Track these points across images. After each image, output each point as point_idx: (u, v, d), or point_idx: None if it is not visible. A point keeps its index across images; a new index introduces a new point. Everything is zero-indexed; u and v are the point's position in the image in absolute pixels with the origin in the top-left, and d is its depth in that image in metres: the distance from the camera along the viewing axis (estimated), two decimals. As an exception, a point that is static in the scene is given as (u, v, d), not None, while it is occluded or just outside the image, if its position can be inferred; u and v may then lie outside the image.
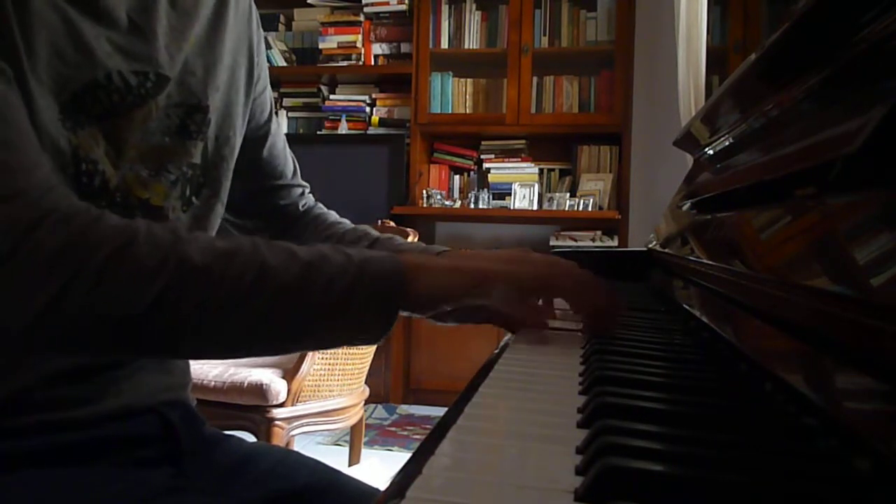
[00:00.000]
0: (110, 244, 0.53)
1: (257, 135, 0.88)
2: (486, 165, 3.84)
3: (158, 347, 0.58)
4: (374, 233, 0.90)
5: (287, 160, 0.94)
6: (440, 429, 0.39)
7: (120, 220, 0.55)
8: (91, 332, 0.54)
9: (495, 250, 0.69)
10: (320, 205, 0.98)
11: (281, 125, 0.91)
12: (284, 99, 4.06)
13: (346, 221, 0.95)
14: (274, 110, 0.92)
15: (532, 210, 3.67)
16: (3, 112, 0.55)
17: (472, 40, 3.81)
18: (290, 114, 4.08)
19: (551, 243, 3.59)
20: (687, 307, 0.77)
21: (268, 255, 0.58)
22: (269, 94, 0.90)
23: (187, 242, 0.56)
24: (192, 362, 0.85)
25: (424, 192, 3.77)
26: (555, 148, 3.83)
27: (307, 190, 0.97)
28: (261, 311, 0.56)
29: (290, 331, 0.59)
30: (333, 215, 0.96)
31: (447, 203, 3.78)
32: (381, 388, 3.53)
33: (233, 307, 0.56)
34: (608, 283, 0.69)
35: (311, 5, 4.01)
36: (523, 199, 3.70)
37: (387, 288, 0.60)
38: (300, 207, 0.95)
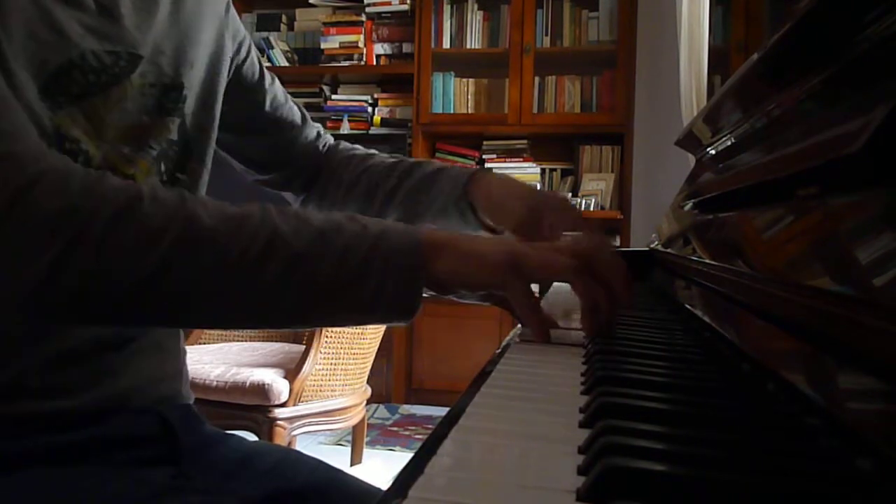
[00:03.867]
0: (114, 204, 0.51)
1: (255, 95, 0.90)
2: (487, 165, 3.83)
3: (166, 313, 0.56)
4: (409, 160, 0.92)
5: (292, 109, 0.95)
6: (442, 428, 0.39)
7: (122, 181, 0.54)
8: (97, 296, 0.52)
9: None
10: (344, 143, 0.99)
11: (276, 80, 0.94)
12: (286, 99, 4.06)
13: (376, 153, 0.97)
14: (264, 67, 0.93)
15: (534, 210, 3.66)
16: None
17: (474, 40, 3.81)
18: (292, 114, 4.07)
19: (553, 243, 3.59)
20: (689, 307, 0.77)
21: (279, 220, 0.56)
22: (255, 55, 0.91)
23: (194, 205, 0.55)
24: (190, 361, 0.85)
25: (426, 192, 3.77)
26: (557, 148, 3.83)
27: (321, 130, 0.98)
28: (271, 278, 0.55)
29: (304, 298, 0.57)
30: (360, 149, 0.98)
31: (449, 203, 3.78)
32: (383, 388, 3.53)
33: (242, 272, 0.54)
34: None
35: (312, 5, 4.01)
36: (525, 199, 3.69)
37: (405, 264, 0.57)
38: (321, 148, 0.96)
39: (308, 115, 0.98)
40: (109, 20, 0.68)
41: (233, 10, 0.88)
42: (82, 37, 0.65)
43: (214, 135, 0.82)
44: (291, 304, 0.57)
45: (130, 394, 0.71)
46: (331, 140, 0.98)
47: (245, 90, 0.88)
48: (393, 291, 0.57)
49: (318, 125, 0.98)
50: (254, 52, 0.91)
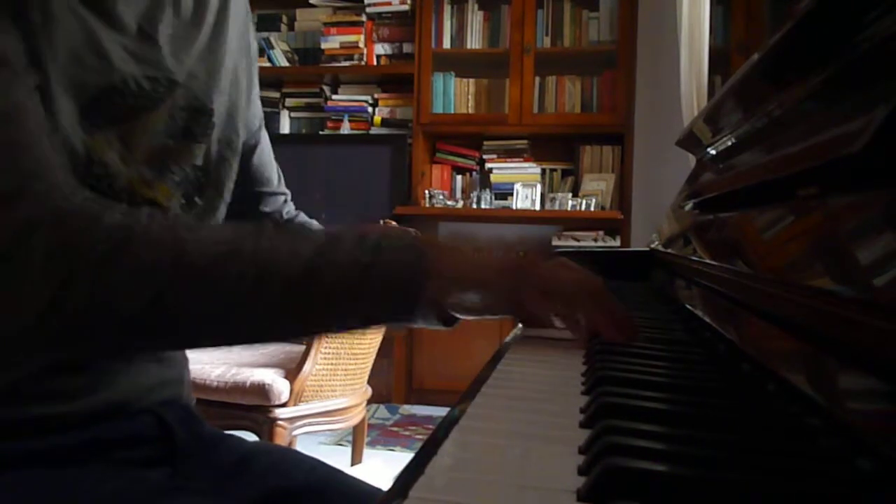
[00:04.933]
0: (105, 244, 0.53)
1: (249, 143, 0.90)
2: (488, 165, 3.84)
3: (160, 345, 0.60)
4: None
5: (273, 168, 0.96)
6: (443, 429, 0.39)
7: (117, 217, 0.55)
8: (91, 331, 0.54)
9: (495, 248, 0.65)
10: (302, 214, 1.00)
11: (268, 133, 0.95)
12: (287, 99, 4.06)
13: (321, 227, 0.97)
14: (262, 119, 0.94)
15: (534, 210, 3.67)
16: (18, 117, 0.56)
17: (475, 40, 3.80)
18: (293, 114, 4.07)
19: (553, 243, 3.59)
20: (689, 307, 0.77)
21: (275, 242, 0.57)
22: (259, 102, 0.92)
23: (186, 239, 0.55)
24: (190, 361, 0.86)
25: (427, 192, 3.77)
26: (557, 148, 3.82)
27: (289, 198, 0.99)
28: (267, 303, 0.56)
29: (302, 318, 0.58)
30: (316, 224, 0.98)
31: (449, 203, 3.78)
32: (384, 388, 3.53)
33: (236, 304, 0.55)
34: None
35: (313, 5, 4.01)
36: (525, 199, 3.70)
37: (405, 272, 0.57)
38: (283, 215, 0.97)
39: (282, 177, 0.98)
40: (149, 45, 0.69)
41: (256, 48, 0.89)
42: (124, 61, 0.66)
43: (235, 167, 0.82)
44: (289, 324, 0.59)
45: (129, 399, 0.72)
46: (293, 210, 0.99)
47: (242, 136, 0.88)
48: (393, 301, 0.58)
49: (287, 191, 0.99)
50: (259, 101, 0.91)
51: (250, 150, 0.90)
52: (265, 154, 0.93)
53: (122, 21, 0.66)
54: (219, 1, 0.78)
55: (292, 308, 0.57)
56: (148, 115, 0.69)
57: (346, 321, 0.61)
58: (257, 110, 0.90)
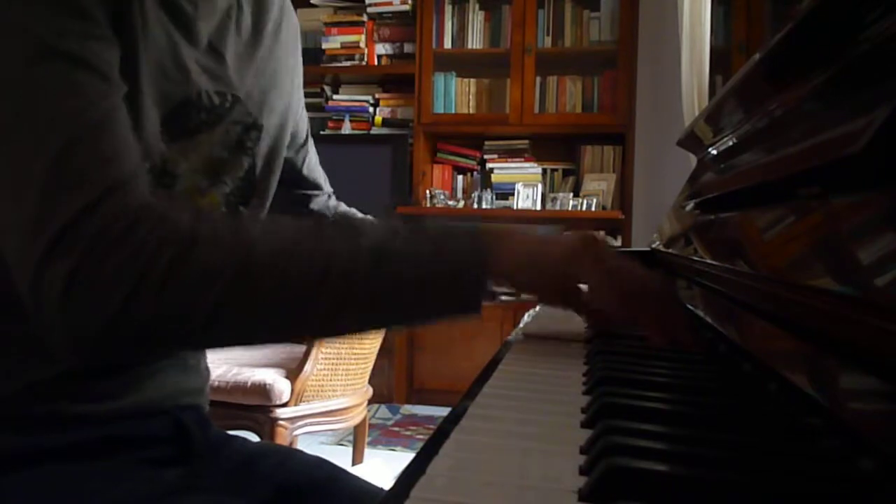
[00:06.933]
0: (171, 249, 0.53)
1: (298, 154, 0.94)
2: (489, 165, 3.83)
3: (230, 340, 0.60)
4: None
5: (321, 172, 1.00)
6: (444, 429, 0.39)
7: (185, 220, 0.56)
8: (161, 333, 0.55)
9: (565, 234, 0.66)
10: (343, 205, 1.04)
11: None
12: (288, 99, 4.06)
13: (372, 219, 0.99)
14: (309, 128, 0.97)
15: (535, 210, 3.66)
16: (110, 126, 0.57)
17: (476, 40, 3.80)
18: (294, 114, 4.07)
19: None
20: (690, 307, 0.77)
21: (335, 240, 0.58)
22: (306, 113, 0.95)
23: (249, 239, 0.56)
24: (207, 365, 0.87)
25: (428, 192, 3.77)
26: (558, 148, 3.82)
27: (332, 192, 1.03)
28: (329, 302, 0.57)
29: (363, 315, 0.59)
30: (360, 214, 1.02)
31: (450, 203, 3.78)
32: (385, 388, 3.53)
33: (300, 299, 0.56)
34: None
35: (314, 5, 4.00)
36: (526, 199, 3.69)
37: (468, 260, 0.59)
38: (329, 209, 1.02)
39: (327, 178, 1.02)
40: (218, 62, 0.72)
41: (301, 67, 0.91)
42: (199, 75, 0.69)
43: (277, 177, 0.84)
44: (351, 321, 0.60)
45: (151, 402, 0.73)
46: (335, 203, 1.03)
47: (292, 148, 0.91)
48: (456, 295, 0.59)
49: (331, 189, 1.03)
50: (305, 113, 0.94)
51: (300, 159, 0.94)
52: (313, 161, 0.98)
53: (199, 37, 0.69)
54: (273, 23, 0.81)
55: (353, 302, 0.57)
56: (215, 129, 0.72)
57: (407, 315, 0.61)
58: (304, 123, 0.94)
